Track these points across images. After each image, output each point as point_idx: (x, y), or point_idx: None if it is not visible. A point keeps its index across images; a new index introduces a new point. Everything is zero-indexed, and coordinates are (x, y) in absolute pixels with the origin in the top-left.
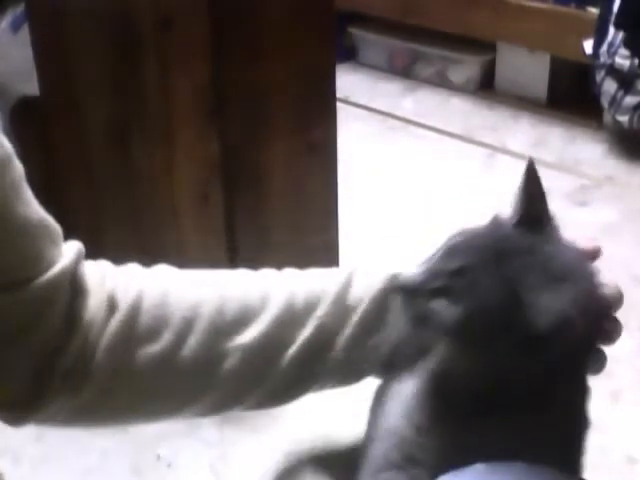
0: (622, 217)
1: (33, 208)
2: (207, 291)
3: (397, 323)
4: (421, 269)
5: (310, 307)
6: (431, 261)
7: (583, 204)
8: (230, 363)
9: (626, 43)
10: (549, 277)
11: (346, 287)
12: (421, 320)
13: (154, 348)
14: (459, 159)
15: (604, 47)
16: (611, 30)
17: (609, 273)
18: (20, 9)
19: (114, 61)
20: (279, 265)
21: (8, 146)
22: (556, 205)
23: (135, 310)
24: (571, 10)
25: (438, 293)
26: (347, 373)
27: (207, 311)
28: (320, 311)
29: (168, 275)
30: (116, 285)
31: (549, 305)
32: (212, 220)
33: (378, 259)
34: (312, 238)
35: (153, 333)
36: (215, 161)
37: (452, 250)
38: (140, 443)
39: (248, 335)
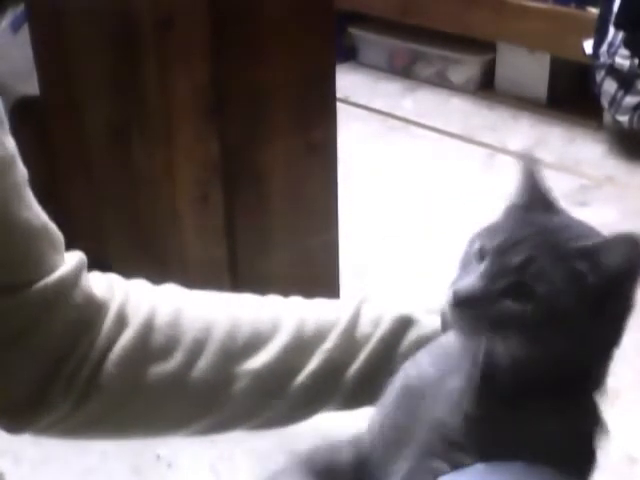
0: (622, 217)
1: (35, 212)
2: (219, 313)
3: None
4: (472, 277)
5: (319, 337)
6: (473, 266)
7: (583, 204)
8: (239, 387)
9: (626, 43)
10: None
11: (355, 321)
12: (497, 325)
13: (165, 367)
14: (459, 159)
15: (604, 47)
16: (611, 30)
17: None
18: (20, 9)
19: (114, 61)
20: (279, 265)
21: (12, 148)
22: None
23: (147, 327)
24: (571, 10)
25: (505, 293)
26: (352, 402)
27: (218, 334)
28: (329, 343)
29: (179, 294)
30: (126, 299)
31: (614, 253)
32: (212, 220)
33: (380, 259)
34: (312, 238)
35: (165, 352)
36: (215, 161)
37: (501, 245)
38: (140, 443)
39: (258, 361)
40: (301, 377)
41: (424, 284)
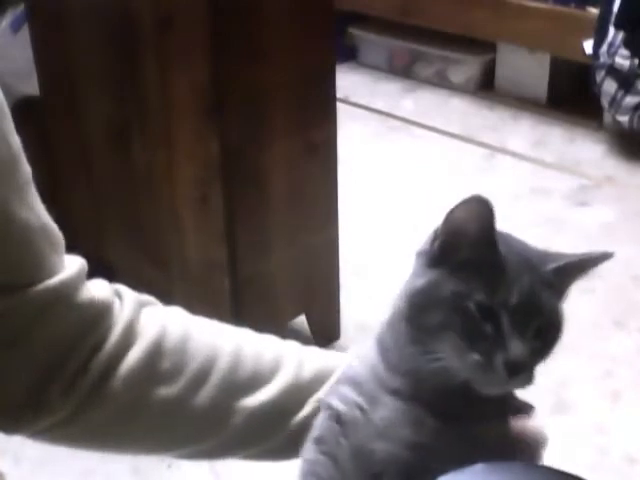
0: (622, 217)
1: (35, 213)
2: (224, 344)
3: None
4: (515, 342)
5: (317, 383)
6: (496, 328)
7: (583, 204)
8: (236, 421)
9: (626, 43)
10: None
11: None
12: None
13: (170, 391)
14: (459, 159)
15: (604, 47)
16: (611, 30)
17: (609, 273)
18: (20, 9)
19: (114, 61)
20: (279, 265)
21: (16, 147)
22: (556, 205)
23: (156, 348)
24: (571, 10)
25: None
26: None
27: (221, 366)
28: (327, 388)
29: (187, 319)
30: (136, 314)
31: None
32: (212, 220)
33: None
34: (312, 238)
35: (170, 376)
36: (215, 161)
37: (516, 300)
38: None
39: (256, 399)
40: (299, 417)
41: None
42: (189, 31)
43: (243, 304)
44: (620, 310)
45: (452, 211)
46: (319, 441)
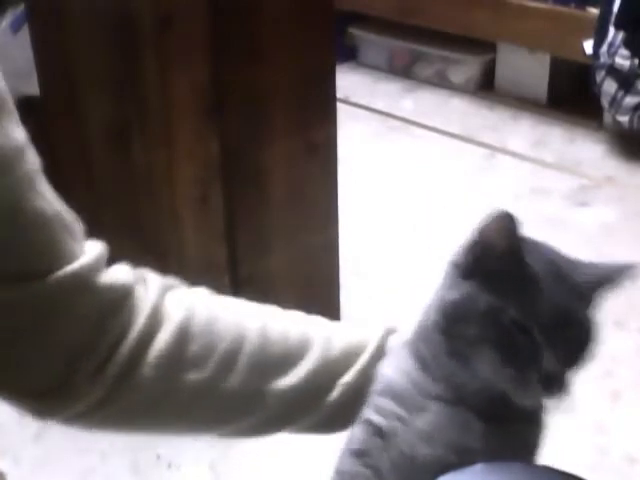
0: (622, 217)
1: (48, 201)
2: (250, 325)
3: None
4: (554, 363)
5: (350, 356)
6: (532, 344)
7: (583, 204)
8: (269, 403)
9: (626, 43)
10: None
11: (385, 341)
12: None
13: (199, 375)
14: (459, 159)
15: (604, 47)
16: (611, 30)
17: None
18: (20, 9)
19: (114, 61)
20: (279, 265)
21: (21, 138)
22: (556, 205)
23: (184, 332)
24: (571, 10)
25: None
26: None
27: (250, 347)
28: (362, 360)
29: (213, 300)
30: (161, 297)
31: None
32: (212, 220)
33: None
34: (312, 238)
35: (200, 360)
36: (215, 161)
37: (550, 317)
38: (140, 443)
39: (287, 381)
40: (334, 395)
41: (424, 284)
42: (189, 31)
43: None
44: (620, 310)
45: (481, 225)
46: (359, 454)
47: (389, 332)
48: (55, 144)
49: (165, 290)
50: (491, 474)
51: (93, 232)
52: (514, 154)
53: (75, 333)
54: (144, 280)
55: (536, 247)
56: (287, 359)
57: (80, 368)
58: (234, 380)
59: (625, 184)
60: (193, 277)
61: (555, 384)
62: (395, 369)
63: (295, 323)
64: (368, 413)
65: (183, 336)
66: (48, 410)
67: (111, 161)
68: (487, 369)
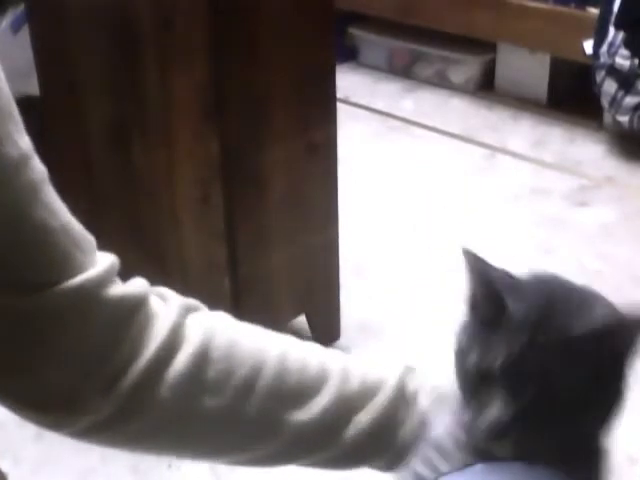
0: (622, 217)
1: (53, 212)
2: (269, 353)
3: None
4: (496, 408)
5: (367, 395)
6: (482, 392)
7: (583, 204)
8: (285, 435)
9: (626, 43)
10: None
11: (404, 381)
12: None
13: (216, 401)
14: (459, 159)
15: (604, 47)
16: (611, 30)
17: (609, 273)
18: (20, 9)
19: (114, 61)
20: (279, 265)
21: (26, 146)
22: (556, 205)
23: (203, 355)
24: (571, 10)
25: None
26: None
27: (268, 376)
28: (379, 400)
29: (233, 325)
30: (180, 319)
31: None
32: (212, 220)
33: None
34: (312, 238)
35: (218, 385)
36: (215, 161)
37: (508, 367)
38: None
39: (303, 414)
40: (352, 430)
41: (424, 283)
42: (189, 31)
43: (243, 304)
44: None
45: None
46: None
47: (407, 372)
48: (55, 144)
49: (187, 311)
50: (491, 474)
51: (93, 232)
52: (514, 154)
53: (82, 345)
54: (162, 296)
55: (543, 287)
56: (304, 391)
57: (88, 382)
58: (251, 408)
59: (625, 184)
60: (193, 277)
61: (502, 435)
62: (441, 422)
63: (313, 354)
64: (415, 462)
65: (202, 360)
66: (53, 423)
67: (111, 161)
68: (462, 415)
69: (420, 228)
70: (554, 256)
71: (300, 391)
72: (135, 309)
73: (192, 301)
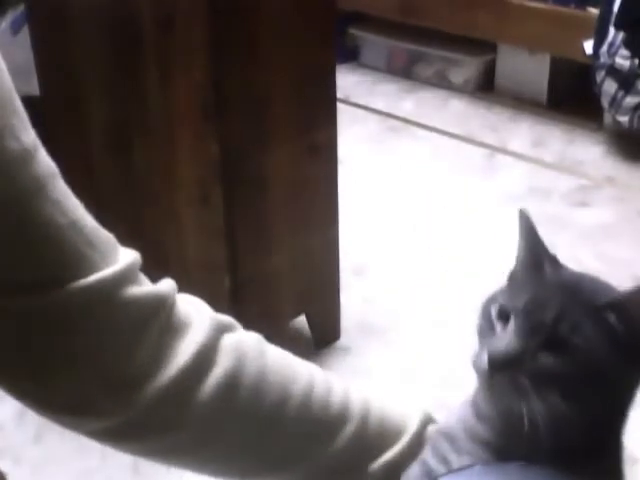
0: (622, 218)
1: (62, 209)
2: (295, 384)
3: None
4: (505, 339)
5: (385, 440)
6: (497, 326)
7: (583, 205)
8: (302, 468)
9: (626, 43)
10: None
11: (423, 428)
12: (537, 383)
13: (242, 428)
14: (459, 159)
15: (604, 47)
16: (611, 30)
17: (609, 274)
18: (20, 9)
19: (114, 61)
20: (279, 265)
21: (30, 141)
22: (556, 205)
23: (235, 381)
24: (571, 10)
25: (542, 349)
26: None
27: (294, 406)
28: (396, 449)
29: (263, 351)
30: (213, 340)
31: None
32: (212, 220)
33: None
34: (312, 238)
35: (246, 413)
36: (215, 162)
37: (529, 303)
38: None
39: (322, 450)
40: (360, 476)
41: (424, 283)
42: (189, 31)
43: (243, 304)
44: None
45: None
46: None
47: (427, 420)
48: (55, 144)
49: (221, 330)
50: (489, 474)
51: None
52: (514, 154)
53: (93, 347)
54: (194, 305)
55: (576, 273)
56: (325, 427)
57: (98, 385)
58: (274, 438)
59: (625, 184)
60: (193, 277)
61: (504, 368)
62: (456, 414)
63: (336, 389)
64: (425, 452)
65: (233, 384)
66: (68, 423)
67: (111, 161)
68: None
69: (420, 228)
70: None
71: (321, 429)
72: (155, 312)
73: (226, 318)
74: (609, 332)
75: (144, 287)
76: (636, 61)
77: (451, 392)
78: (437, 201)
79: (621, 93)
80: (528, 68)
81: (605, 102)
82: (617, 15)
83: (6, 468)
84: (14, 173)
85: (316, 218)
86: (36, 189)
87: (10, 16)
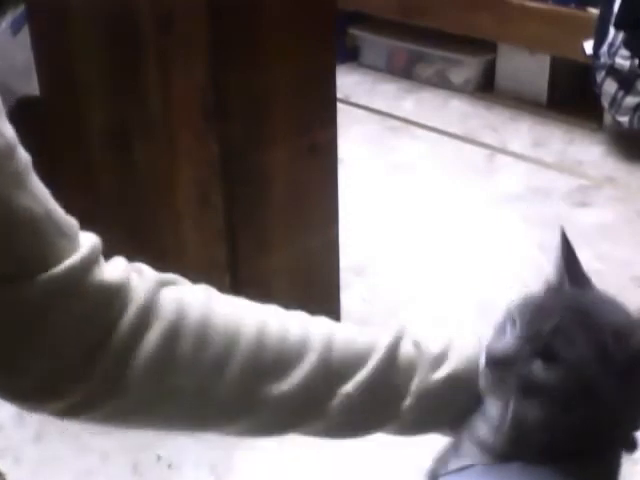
0: (622, 218)
1: (38, 200)
2: (246, 326)
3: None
4: (505, 340)
5: (353, 363)
6: (507, 328)
7: (583, 205)
8: (264, 408)
9: (626, 43)
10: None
11: (396, 344)
12: (527, 388)
13: (189, 379)
14: (459, 159)
15: (604, 47)
16: (611, 30)
17: (609, 274)
18: (20, 10)
19: (114, 61)
20: (279, 265)
21: (10, 136)
22: (556, 205)
23: (174, 332)
24: (571, 10)
25: (535, 356)
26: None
27: (243, 350)
28: (370, 365)
29: (209, 298)
30: (151, 295)
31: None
32: (212, 220)
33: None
34: (312, 238)
35: (189, 363)
36: (215, 161)
37: (535, 313)
38: (140, 443)
39: (282, 386)
40: (331, 406)
41: (424, 283)
42: (189, 31)
43: None
44: None
45: None
46: None
47: (398, 338)
48: (55, 144)
49: (160, 286)
50: (490, 474)
51: (93, 232)
52: (514, 154)
53: (63, 333)
54: (139, 271)
55: (598, 299)
56: (284, 362)
57: (68, 368)
58: (226, 384)
59: (625, 184)
60: (193, 277)
61: (501, 367)
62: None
63: (295, 324)
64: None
65: (173, 336)
66: (31, 407)
67: (111, 161)
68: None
69: (420, 228)
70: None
71: (279, 362)
72: (116, 294)
73: (169, 275)
74: (604, 355)
75: (107, 271)
76: (636, 61)
77: None
78: (437, 201)
79: (621, 93)
80: (528, 68)
81: (605, 102)
82: (617, 15)
83: (6, 468)
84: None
85: (316, 218)
86: (17, 182)
87: (10, 16)
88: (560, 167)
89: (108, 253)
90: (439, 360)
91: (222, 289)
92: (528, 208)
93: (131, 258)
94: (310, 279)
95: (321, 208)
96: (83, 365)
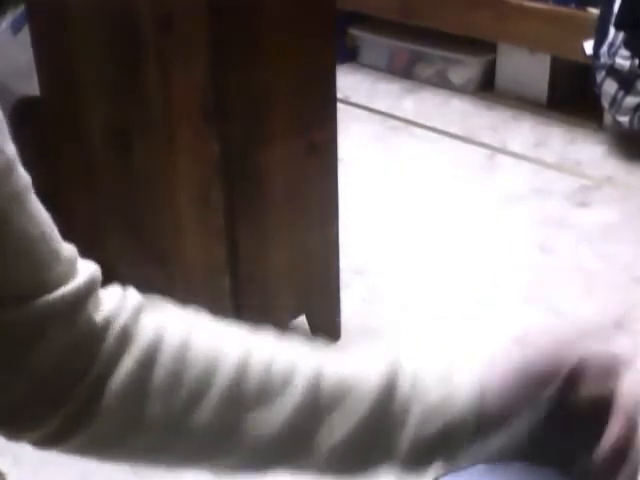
0: (622, 218)
1: (35, 222)
2: (228, 354)
3: None
4: None
5: (344, 391)
6: None
7: (583, 205)
8: (245, 442)
9: (626, 43)
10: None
11: (393, 371)
12: None
13: (164, 408)
14: (459, 159)
15: (604, 47)
16: (611, 30)
17: (609, 274)
18: (20, 10)
19: (114, 61)
20: (279, 265)
21: (11, 154)
22: (556, 205)
23: (150, 358)
24: (571, 10)
25: None
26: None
27: (223, 378)
28: (360, 395)
29: (191, 323)
30: (131, 320)
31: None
32: (212, 220)
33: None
34: (312, 238)
35: (165, 390)
36: (215, 161)
37: None
38: None
39: (267, 415)
40: (318, 440)
41: (424, 283)
42: (189, 31)
43: (243, 304)
44: (620, 311)
45: None
46: None
47: (393, 370)
48: (55, 144)
49: (141, 312)
50: (491, 473)
51: (93, 233)
52: (514, 154)
53: (46, 364)
54: (125, 299)
55: None
56: (267, 393)
57: (41, 399)
58: (203, 414)
59: (625, 184)
60: (193, 277)
61: None
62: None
63: (282, 356)
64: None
65: (148, 364)
66: (8, 432)
67: (111, 161)
68: None
69: (420, 228)
70: (554, 256)
71: (262, 393)
72: (106, 326)
73: (154, 300)
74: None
75: (102, 304)
76: (636, 61)
77: None
78: (437, 201)
79: (621, 93)
80: (528, 68)
81: (605, 102)
82: (617, 15)
83: (6, 468)
84: None
85: (316, 218)
86: (15, 202)
87: (10, 16)
88: (560, 167)
89: (108, 253)
90: (436, 409)
91: (222, 289)
92: (528, 208)
93: (131, 258)
94: (310, 279)
95: (321, 208)
96: (62, 393)
